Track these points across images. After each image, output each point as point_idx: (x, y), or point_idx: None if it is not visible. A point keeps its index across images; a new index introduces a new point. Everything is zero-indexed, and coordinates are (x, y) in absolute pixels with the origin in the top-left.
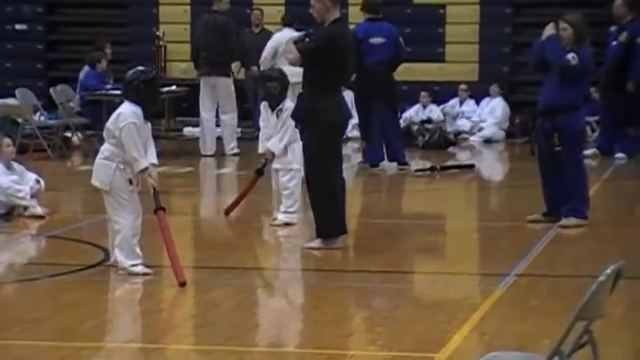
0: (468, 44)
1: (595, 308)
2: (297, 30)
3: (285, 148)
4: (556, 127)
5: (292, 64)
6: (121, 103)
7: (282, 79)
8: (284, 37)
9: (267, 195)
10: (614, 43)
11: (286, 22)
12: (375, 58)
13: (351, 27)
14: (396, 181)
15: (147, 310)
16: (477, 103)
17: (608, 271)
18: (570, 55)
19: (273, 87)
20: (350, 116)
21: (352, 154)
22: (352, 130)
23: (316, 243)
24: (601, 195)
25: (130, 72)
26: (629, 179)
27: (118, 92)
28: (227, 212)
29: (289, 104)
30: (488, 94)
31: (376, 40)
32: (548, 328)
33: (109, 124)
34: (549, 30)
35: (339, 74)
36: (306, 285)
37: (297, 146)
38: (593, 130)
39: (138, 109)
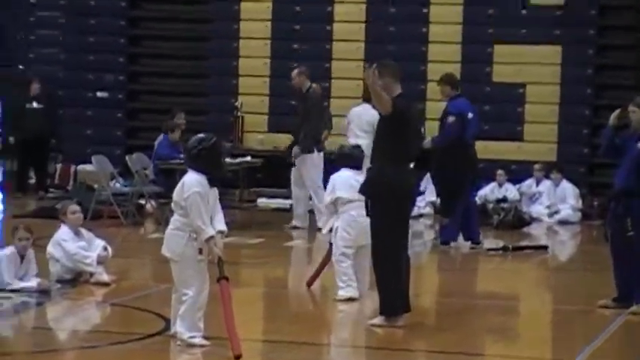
0: (546, 124)
1: None
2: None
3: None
4: (629, 212)
5: (384, 109)
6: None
7: (355, 157)
8: (355, 112)
9: (331, 268)
10: None
11: (365, 98)
12: (471, 132)
13: (443, 103)
14: (469, 260)
15: None
16: (555, 184)
17: None
18: None
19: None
20: (420, 192)
21: (424, 230)
22: (425, 207)
23: (379, 320)
24: None
25: (191, 140)
26: None
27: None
28: (309, 284)
29: None
30: (565, 176)
31: (470, 115)
32: None
33: (175, 195)
34: (615, 116)
35: (407, 146)
36: None
37: (339, 223)
38: None
39: (201, 177)
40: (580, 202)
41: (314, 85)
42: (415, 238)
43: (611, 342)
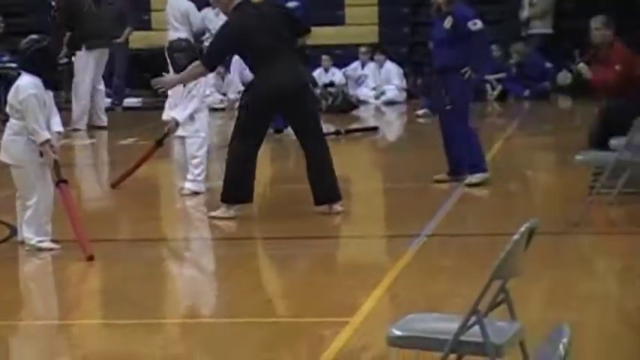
0: (367, 6)
1: (511, 267)
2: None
3: (193, 116)
4: (447, 87)
5: (204, 74)
6: (19, 75)
7: (189, 50)
8: (169, 3)
9: (172, 164)
10: None
11: None
12: None
13: None
14: (293, 146)
15: (56, 285)
16: (379, 65)
17: (522, 229)
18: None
19: (179, 58)
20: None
21: None
22: None
23: (219, 212)
24: (505, 151)
25: (24, 42)
26: (534, 135)
27: (15, 65)
28: (114, 185)
29: None
30: (388, 57)
31: (291, 3)
32: (460, 288)
33: (9, 99)
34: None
35: (258, 51)
36: (217, 254)
37: (204, 115)
38: (493, 89)
39: (36, 80)
40: (404, 81)
41: None
42: None
43: (452, 214)
